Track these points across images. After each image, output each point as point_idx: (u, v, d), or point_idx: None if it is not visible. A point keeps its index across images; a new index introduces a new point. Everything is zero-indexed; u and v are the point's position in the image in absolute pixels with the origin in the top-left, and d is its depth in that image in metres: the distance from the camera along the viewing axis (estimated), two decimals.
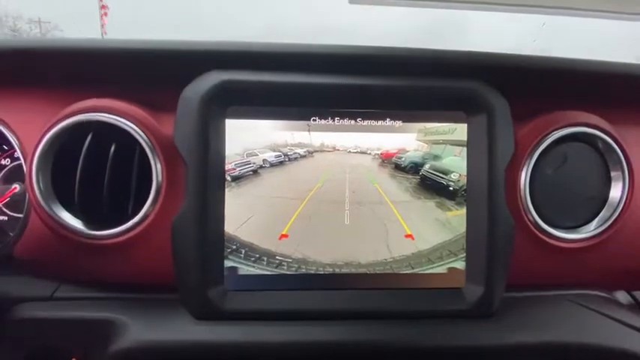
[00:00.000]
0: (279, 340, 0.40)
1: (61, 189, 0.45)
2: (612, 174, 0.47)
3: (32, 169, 0.43)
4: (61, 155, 0.45)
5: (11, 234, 0.50)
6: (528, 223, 0.47)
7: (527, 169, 0.47)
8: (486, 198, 0.44)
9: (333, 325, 0.42)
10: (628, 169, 0.46)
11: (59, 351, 0.44)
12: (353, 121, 0.45)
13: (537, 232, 0.47)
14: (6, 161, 0.53)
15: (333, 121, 0.45)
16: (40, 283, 0.47)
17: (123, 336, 0.41)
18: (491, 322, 0.43)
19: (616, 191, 0.47)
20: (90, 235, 0.44)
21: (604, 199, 0.47)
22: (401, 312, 0.44)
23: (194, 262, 0.42)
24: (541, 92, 0.48)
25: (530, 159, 0.47)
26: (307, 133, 0.46)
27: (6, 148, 0.52)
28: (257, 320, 0.42)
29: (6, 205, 0.52)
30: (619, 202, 0.46)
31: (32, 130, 0.46)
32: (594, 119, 0.47)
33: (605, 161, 0.48)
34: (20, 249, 0.48)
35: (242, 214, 0.44)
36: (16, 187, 0.53)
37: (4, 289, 0.47)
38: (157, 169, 0.44)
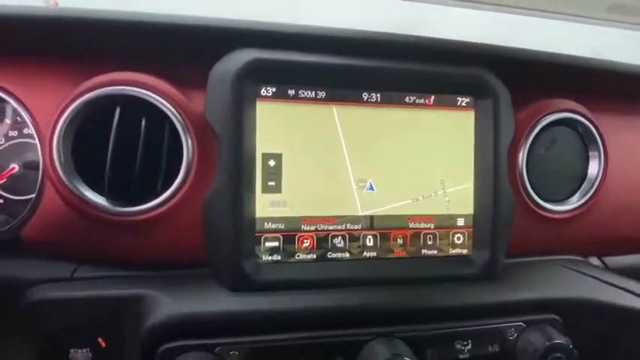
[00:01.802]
0: (310, 306, 0.42)
1: (81, 166, 0.44)
2: (590, 153, 0.55)
3: (53, 141, 0.41)
4: (81, 132, 0.44)
5: (13, 217, 0.47)
6: (525, 197, 0.53)
7: (524, 151, 0.54)
8: (492, 175, 0.49)
9: (355, 292, 0.45)
10: (603, 150, 0.54)
11: (83, 332, 0.43)
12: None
13: (532, 205, 0.53)
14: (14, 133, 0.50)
15: (361, 103, 0.48)
16: (55, 266, 0.45)
17: (156, 311, 0.40)
18: (495, 284, 0.49)
19: (593, 168, 0.55)
20: (117, 212, 0.43)
21: (584, 175, 0.55)
22: (416, 278, 0.48)
23: (228, 236, 0.42)
24: (534, 82, 0.55)
25: (526, 141, 0.54)
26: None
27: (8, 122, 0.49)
28: (288, 290, 0.44)
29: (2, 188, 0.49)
30: (596, 177, 0.54)
31: (47, 105, 0.44)
32: (577, 106, 0.55)
33: (585, 143, 0.56)
34: (30, 231, 0.45)
35: None
36: (15, 167, 0.50)
37: (12, 272, 0.44)
38: (188, 144, 0.44)
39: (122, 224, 0.44)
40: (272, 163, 0.46)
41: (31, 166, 0.48)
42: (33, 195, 0.46)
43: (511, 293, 0.48)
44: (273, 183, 0.46)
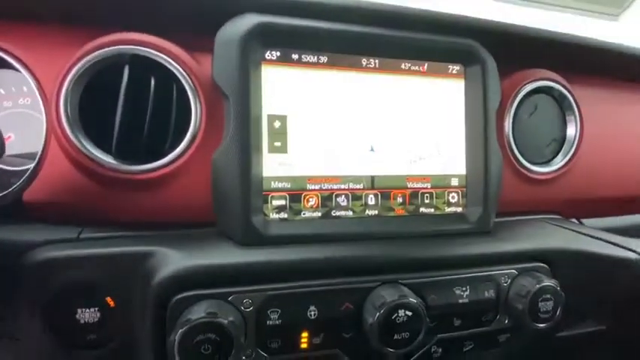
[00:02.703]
0: (318, 257, 0.44)
1: (88, 127, 0.44)
2: (567, 118, 0.60)
3: (60, 97, 0.41)
4: (87, 94, 0.44)
5: (12, 182, 0.46)
6: (512, 160, 0.57)
7: (509, 117, 0.58)
8: (482, 137, 0.53)
9: (359, 245, 0.47)
10: (579, 114, 0.60)
11: (90, 292, 0.42)
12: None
13: (519, 167, 0.58)
14: (8, 104, 0.49)
15: (360, 68, 0.51)
16: (60, 228, 0.44)
17: (167, 265, 0.41)
18: (488, 237, 0.52)
19: (571, 130, 0.60)
20: (125, 170, 0.43)
21: (563, 139, 0.60)
22: (415, 233, 0.51)
23: (237, 193, 0.44)
24: (518, 55, 0.60)
25: (511, 108, 0.58)
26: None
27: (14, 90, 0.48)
28: (296, 244, 0.45)
29: None
30: (574, 139, 0.60)
31: (51, 67, 0.44)
32: (554, 75, 0.60)
33: (562, 109, 0.61)
34: (33, 194, 0.44)
35: None
36: (10, 136, 0.49)
37: (14, 236, 0.43)
38: (196, 104, 0.45)
39: (130, 183, 0.44)
40: (277, 124, 0.48)
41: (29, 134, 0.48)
42: (32, 163, 0.45)
43: (503, 245, 0.51)
44: (279, 144, 0.48)
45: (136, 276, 0.42)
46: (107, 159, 0.43)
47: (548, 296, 0.48)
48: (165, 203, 0.46)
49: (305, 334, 0.42)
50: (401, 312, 0.41)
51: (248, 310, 0.41)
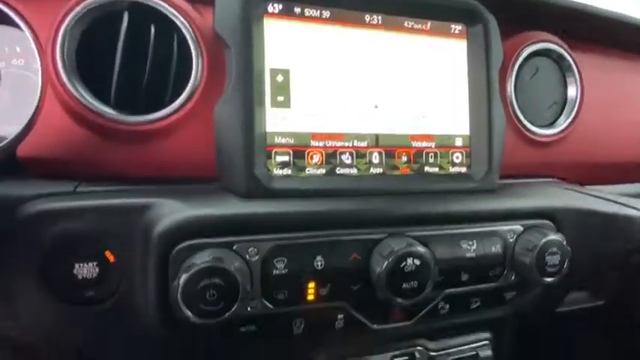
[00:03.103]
0: (324, 209, 0.43)
1: (85, 77, 0.42)
2: (568, 80, 0.61)
3: (56, 44, 0.40)
4: (84, 44, 0.42)
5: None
6: (515, 122, 0.57)
7: (511, 79, 0.58)
8: (485, 96, 0.53)
9: (366, 199, 0.46)
10: (579, 76, 0.60)
11: (88, 246, 0.41)
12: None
13: (522, 129, 0.58)
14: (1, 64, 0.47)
15: (364, 25, 0.50)
16: (55, 183, 0.43)
17: (169, 215, 0.39)
18: (494, 195, 0.52)
19: (572, 91, 0.61)
20: (124, 120, 0.42)
21: (564, 102, 0.61)
22: (420, 191, 0.50)
23: (240, 145, 0.43)
24: (519, 16, 0.60)
25: (512, 70, 0.58)
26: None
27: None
28: (300, 197, 0.44)
29: None
30: (575, 100, 0.60)
31: (46, 16, 0.42)
32: (553, 38, 0.60)
33: (563, 73, 0.61)
34: (26, 149, 0.43)
35: None
36: (3, 94, 0.48)
37: (7, 191, 0.42)
38: (198, 55, 0.44)
39: (129, 135, 0.43)
40: (280, 78, 0.47)
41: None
42: (27, 117, 0.44)
43: (508, 202, 0.51)
44: (282, 98, 0.47)
45: (136, 228, 0.40)
46: (106, 109, 0.42)
47: (555, 250, 0.47)
48: (165, 157, 0.45)
49: (312, 285, 0.41)
50: (409, 261, 0.41)
51: (253, 259, 0.40)
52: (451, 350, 0.56)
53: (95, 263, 0.42)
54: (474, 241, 0.47)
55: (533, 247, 0.47)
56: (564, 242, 0.48)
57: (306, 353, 0.48)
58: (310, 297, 0.41)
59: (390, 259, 0.40)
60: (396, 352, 0.53)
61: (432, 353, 0.54)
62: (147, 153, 0.44)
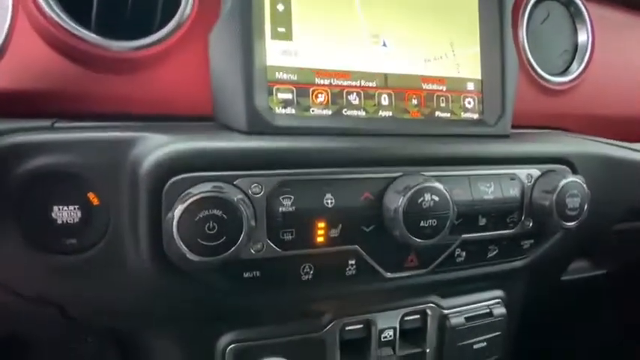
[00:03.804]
0: (333, 146, 0.40)
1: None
2: (578, 26, 0.58)
3: None
4: None
5: None
6: (528, 68, 0.55)
7: (523, 25, 0.55)
8: (498, 38, 0.50)
9: (377, 138, 0.43)
10: (590, 22, 0.58)
11: (69, 187, 0.36)
12: None
13: (534, 76, 0.55)
14: None
15: None
16: (29, 119, 0.38)
17: (161, 148, 0.35)
18: (509, 140, 0.49)
19: (583, 36, 0.58)
20: (108, 46, 0.37)
21: (575, 50, 0.58)
22: (431, 134, 0.46)
23: (239, 75, 0.38)
24: None
25: (524, 15, 0.55)
26: None
27: None
28: (303, 135, 0.40)
29: None
30: (586, 47, 0.58)
31: None
32: None
33: (573, 19, 0.59)
34: None
35: None
36: None
37: None
38: None
39: (113, 64, 0.38)
40: (281, 7, 0.43)
41: None
42: None
43: (524, 146, 0.48)
44: (283, 29, 0.43)
45: (122, 165, 0.36)
46: (87, 33, 0.37)
47: (575, 192, 0.45)
48: (153, 90, 0.40)
49: (321, 225, 0.37)
50: (427, 196, 0.37)
51: (257, 195, 0.36)
52: (464, 308, 0.53)
53: (76, 207, 0.37)
54: (492, 183, 0.44)
55: (553, 188, 0.44)
56: (584, 185, 0.45)
57: (314, 308, 0.45)
58: (320, 239, 0.38)
59: (408, 194, 0.36)
60: (408, 310, 0.50)
61: (445, 311, 0.52)
62: (133, 85, 0.39)
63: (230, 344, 0.44)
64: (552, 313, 0.90)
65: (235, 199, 0.32)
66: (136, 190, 0.35)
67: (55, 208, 0.36)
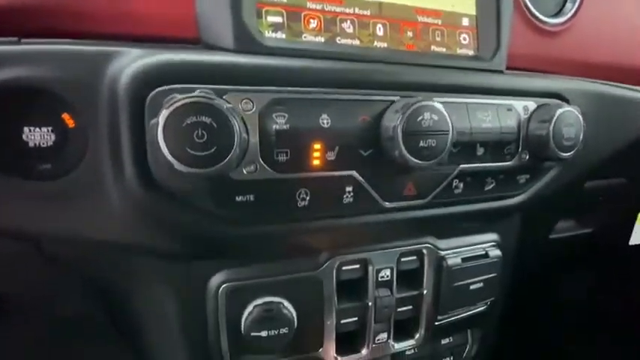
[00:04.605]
0: (329, 67, 0.38)
1: None
2: None
3: None
4: None
5: None
6: (523, 8, 0.54)
7: None
8: None
9: (372, 65, 0.41)
10: None
11: (40, 106, 0.33)
12: None
13: (529, 16, 0.54)
14: None
15: None
16: None
17: (142, 58, 0.32)
18: (505, 75, 0.48)
19: None
20: None
21: None
22: (429, 64, 0.44)
23: None
24: None
25: None
26: None
27: None
28: (295, 57, 0.38)
29: None
30: None
31: None
32: None
33: None
34: None
35: None
36: None
37: None
38: None
39: None
40: None
41: None
42: None
43: (520, 81, 0.48)
44: None
45: (100, 82, 0.33)
46: None
47: (571, 122, 0.45)
48: (131, 6, 0.37)
49: (317, 147, 0.36)
50: (427, 115, 0.36)
51: (248, 112, 0.33)
52: (460, 250, 0.53)
53: (50, 129, 0.34)
54: (489, 112, 0.43)
55: (549, 118, 0.44)
56: (580, 115, 0.45)
57: (310, 242, 0.43)
58: (316, 162, 0.36)
59: (407, 112, 0.35)
60: (405, 249, 0.49)
61: (442, 252, 0.51)
62: (112, 2, 0.36)
63: (223, 284, 0.42)
64: (541, 270, 0.93)
65: (225, 107, 0.30)
66: (116, 107, 0.32)
67: (26, 129, 0.33)
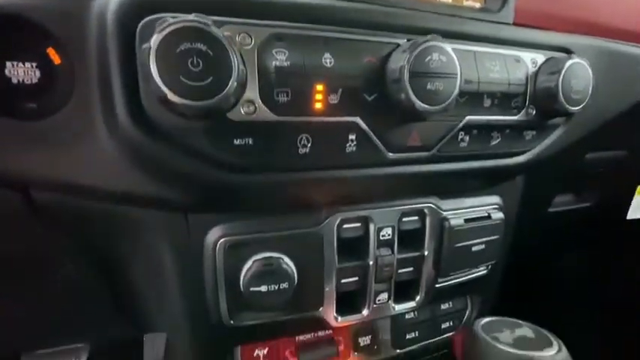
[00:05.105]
0: (330, 3, 0.35)
1: None
2: None
3: None
4: None
5: None
6: None
7: None
8: None
9: (378, 7, 0.38)
10: None
11: (24, 39, 0.30)
12: None
13: None
14: None
15: None
16: None
17: None
18: (513, 27, 0.45)
19: None
20: None
21: None
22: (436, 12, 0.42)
23: None
24: None
25: None
26: None
27: None
28: None
29: None
30: None
31: None
32: None
33: None
34: None
35: None
36: None
37: None
38: None
39: None
40: None
41: None
42: None
43: (529, 33, 0.46)
44: None
45: (87, 13, 0.30)
46: None
47: (581, 74, 0.43)
48: None
49: (320, 88, 0.34)
50: (435, 55, 0.34)
51: (247, 47, 0.31)
52: (462, 211, 0.52)
53: (34, 64, 0.32)
54: (497, 62, 0.41)
55: (559, 69, 0.42)
56: (589, 68, 0.44)
57: (311, 195, 0.42)
58: (318, 105, 0.34)
59: (415, 52, 0.33)
60: (406, 208, 0.48)
61: (444, 213, 0.51)
62: None
63: (221, 238, 0.41)
64: (540, 244, 0.93)
65: (222, 34, 0.28)
66: (105, 38, 0.30)
67: (9, 64, 0.31)
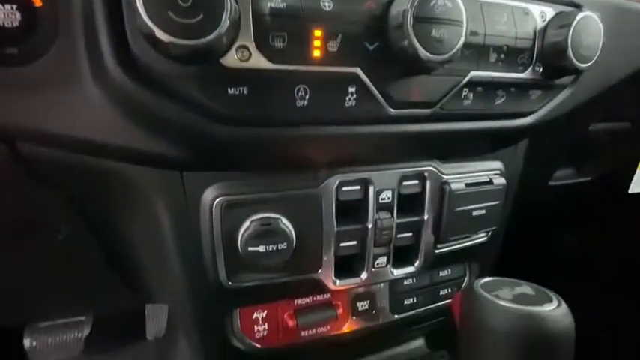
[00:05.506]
0: None
1: None
2: None
3: None
4: None
5: None
6: None
7: None
8: None
9: None
10: None
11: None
12: None
13: None
14: None
15: None
16: None
17: None
18: None
19: None
20: None
21: None
22: None
23: None
24: None
25: None
26: None
27: None
28: None
29: None
30: None
31: None
32: None
33: None
34: None
35: None
36: None
37: None
38: None
39: None
40: None
41: None
42: None
43: None
44: None
45: None
46: None
47: (591, 28, 0.41)
48: None
49: (318, 34, 0.32)
50: (440, 0, 0.33)
51: None
52: (463, 175, 0.51)
53: (14, 6, 0.30)
54: (504, 13, 0.39)
55: (568, 23, 0.40)
56: (600, 23, 0.42)
57: (309, 154, 0.41)
58: (316, 52, 0.32)
59: None
60: (407, 172, 0.47)
61: (445, 177, 0.50)
62: None
63: (217, 197, 0.40)
64: (540, 217, 0.93)
65: None
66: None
67: None
